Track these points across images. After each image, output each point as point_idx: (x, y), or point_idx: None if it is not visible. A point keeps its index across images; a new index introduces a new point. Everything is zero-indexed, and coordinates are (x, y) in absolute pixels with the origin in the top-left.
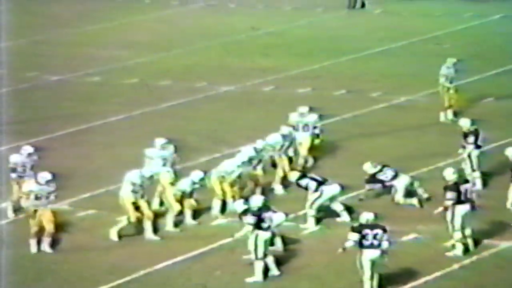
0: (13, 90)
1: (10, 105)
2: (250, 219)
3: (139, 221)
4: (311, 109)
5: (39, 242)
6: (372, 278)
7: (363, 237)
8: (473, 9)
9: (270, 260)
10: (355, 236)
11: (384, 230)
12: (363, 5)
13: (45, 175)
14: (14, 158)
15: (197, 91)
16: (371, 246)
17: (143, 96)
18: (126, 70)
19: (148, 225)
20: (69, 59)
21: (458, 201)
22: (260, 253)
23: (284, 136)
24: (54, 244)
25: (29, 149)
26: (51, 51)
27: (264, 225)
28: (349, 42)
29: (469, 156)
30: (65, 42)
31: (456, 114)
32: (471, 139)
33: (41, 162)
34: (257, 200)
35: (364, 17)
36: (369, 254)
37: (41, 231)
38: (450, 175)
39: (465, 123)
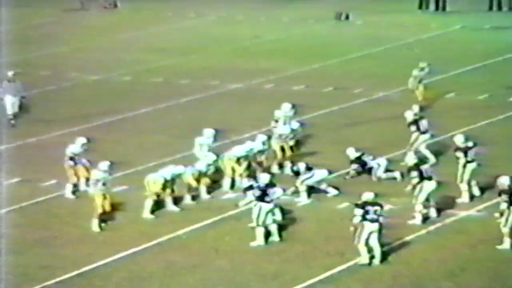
0: (58, 88)
1: (56, 100)
2: (256, 192)
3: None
4: (294, 106)
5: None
6: (366, 245)
7: (366, 212)
8: (438, 21)
9: (274, 227)
10: (360, 212)
11: (381, 207)
12: (347, 17)
13: (107, 163)
14: (71, 149)
15: (210, 88)
16: (372, 220)
17: (166, 92)
18: (152, 71)
19: (169, 199)
20: (104, 62)
21: (422, 178)
22: (261, 222)
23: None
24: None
25: (82, 140)
26: (89, 56)
27: (267, 198)
28: (336, 48)
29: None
30: (101, 48)
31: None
32: (413, 127)
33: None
34: (265, 178)
35: (348, 27)
36: (370, 227)
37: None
38: (411, 159)
39: (408, 115)
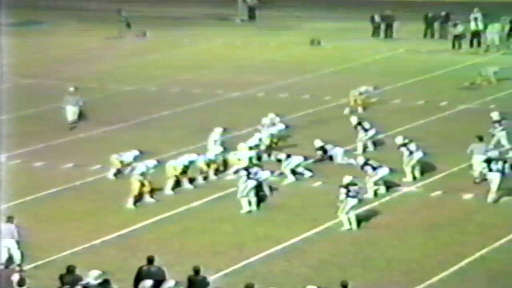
0: (102, 97)
1: (100, 105)
2: (242, 172)
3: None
4: (278, 115)
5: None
6: (347, 214)
7: (348, 191)
8: (387, 46)
9: (254, 200)
10: (344, 191)
11: (358, 186)
12: (319, 43)
13: (152, 162)
14: (124, 157)
15: (217, 96)
16: (353, 196)
17: (183, 99)
18: (172, 83)
19: (185, 179)
20: (136, 76)
21: (374, 169)
22: (246, 193)
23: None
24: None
25: (136, 152)
26: (125, 72)
27: (251, 176)
28: (311, 66)
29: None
30: (134, 66)
31: (365, 108)
32: (359, 128)
33: (121, 140)
34: (244, 163)
35: (321, 50)
36: (352, 202)
37: (140, 194)
38: (361, 160)
39: (352, 120)
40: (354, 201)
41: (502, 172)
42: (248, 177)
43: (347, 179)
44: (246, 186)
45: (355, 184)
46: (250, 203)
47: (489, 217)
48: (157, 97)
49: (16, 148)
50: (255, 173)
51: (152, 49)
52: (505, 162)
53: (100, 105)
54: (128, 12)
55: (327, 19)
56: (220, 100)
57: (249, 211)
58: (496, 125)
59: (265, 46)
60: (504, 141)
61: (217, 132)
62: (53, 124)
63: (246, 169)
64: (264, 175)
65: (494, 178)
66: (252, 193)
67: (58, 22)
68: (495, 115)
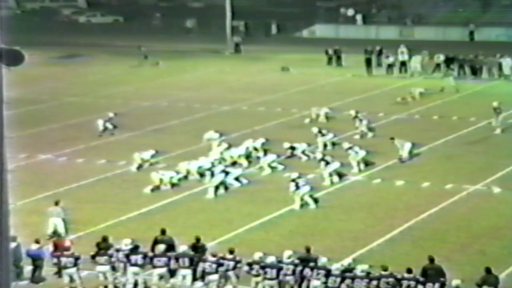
0: (126, 111)
1: (124, 117)
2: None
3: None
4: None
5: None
6: (302, 200)
7: (297, 183)
8: (338, 72)
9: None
10: (293, 184)
11: (305, 178)
12: (288, 70)
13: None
14: (143, 155)
15: (212, 109)
16: (304, 185)
17: (187, 112)
18: (179, 100)
19: (191, 174)
20: (151, 95)
21: (327, 163)
22: (213, 184)
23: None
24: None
25: (152, 152)
26: (143, 92)
27: (216, 173)
28: (282, 86)
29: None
30: (150, 87)
31: (328, 119)
32: (318, 134)
33: (141, 143)
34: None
35: (289, 75)
36: (305, 189)
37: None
38: (319, 155)
39: (313, 129)
40: (306, 188)
41: None
42: (212, 175)
43: (294, 175)
44: (211, 179)
45: (300, 177)
46: (215, 191)
47: (414, 197)
48: (167, 110)
49: (63, 148)
50: (219, 171)
51: (164, 74)
52: None
53: (125, 117)
54: (146, 47)
55: (293, 52)
56: (214, 112)
57: (215, 196)
58: (357, 120)
59: (247, 72)
60: (364, 129)
61: (223, 147)
62: (90, 131)
63: (210, 169)
64: (234, 172)
65: None
66: (215, 183)
67: (94, 55)
68: (352, 112)
